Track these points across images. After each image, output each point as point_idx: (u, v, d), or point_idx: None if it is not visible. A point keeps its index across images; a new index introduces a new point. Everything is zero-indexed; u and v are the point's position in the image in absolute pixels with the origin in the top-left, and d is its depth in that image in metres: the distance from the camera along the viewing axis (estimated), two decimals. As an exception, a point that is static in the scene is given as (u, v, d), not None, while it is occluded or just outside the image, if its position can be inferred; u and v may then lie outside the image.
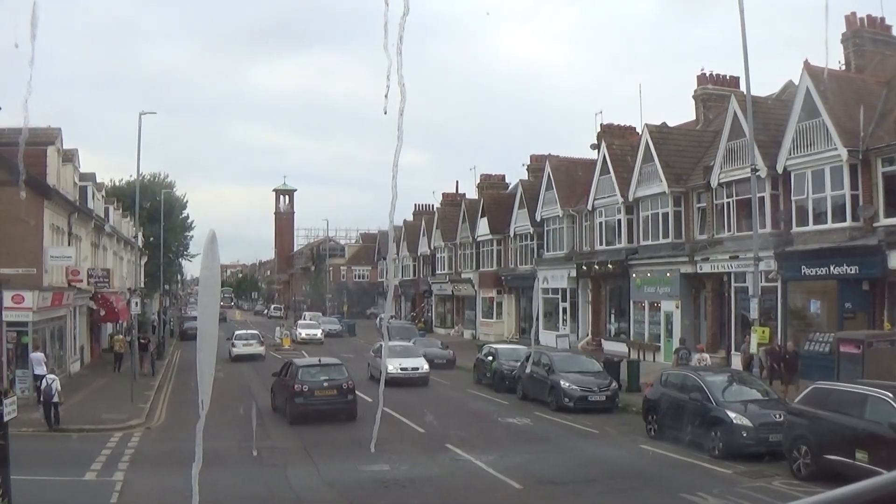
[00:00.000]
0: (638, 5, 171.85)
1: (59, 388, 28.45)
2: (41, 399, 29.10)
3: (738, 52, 30.65)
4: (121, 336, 49.21)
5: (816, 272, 34.92)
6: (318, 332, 74.53)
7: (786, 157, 36.33)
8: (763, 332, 31.25)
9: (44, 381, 28.99)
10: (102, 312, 51.08)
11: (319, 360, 33.64)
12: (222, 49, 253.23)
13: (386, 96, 5.91)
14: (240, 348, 56.92)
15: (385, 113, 5.90)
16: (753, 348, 31.33)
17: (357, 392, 31.30)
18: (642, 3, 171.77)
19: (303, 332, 73.71)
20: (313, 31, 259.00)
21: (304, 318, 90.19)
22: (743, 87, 35.80)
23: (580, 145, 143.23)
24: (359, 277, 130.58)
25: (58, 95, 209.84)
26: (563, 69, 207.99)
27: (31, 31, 9.63)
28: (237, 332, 60.59)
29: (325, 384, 30.48)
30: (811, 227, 35.45)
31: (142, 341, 44.67)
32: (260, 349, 57.67)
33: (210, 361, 9.96)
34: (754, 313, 31.57)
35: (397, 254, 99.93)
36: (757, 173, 34.13)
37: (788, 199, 36.87)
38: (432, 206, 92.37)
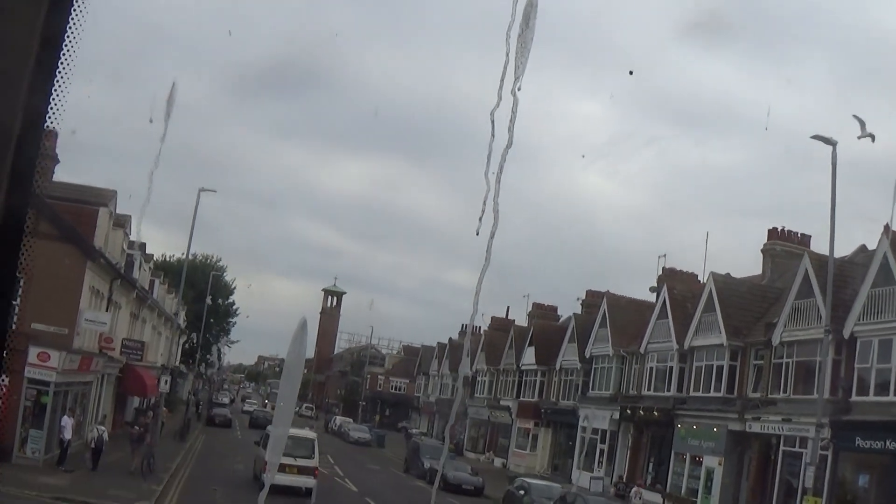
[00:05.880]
0: (714, 157, 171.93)
1: (107, 438, 34.40)
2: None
3: (810, 211, 29.80)
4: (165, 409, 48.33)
5: (871, 445, 33.11)
6: None
7: (854, 322, 34.91)
8: (815, 502, 29.53)
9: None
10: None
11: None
12: (293, 145, 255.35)
13: (480, 219, 6.88)
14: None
15: (477, 234, 7.03)
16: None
17: None
18: (719, 155, 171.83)
19: None
20: (380, 137, 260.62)
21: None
22: (817, 247, 34.78)
23: (638, 286, 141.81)
24: (395, 389, 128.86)
25: (125, 165, 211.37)
26: (632, 208, 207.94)
27: (167, 110, 11.53)
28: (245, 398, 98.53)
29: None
30: (871, 397, 33.98)
31: (137, 428, 38.09)
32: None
33: (282, 440, 11.44)
34: (809, 482, 29.79)
35: (438, 370, 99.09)
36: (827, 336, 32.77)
37: (851, 366, 35.31)
38: (480, 328, 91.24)
